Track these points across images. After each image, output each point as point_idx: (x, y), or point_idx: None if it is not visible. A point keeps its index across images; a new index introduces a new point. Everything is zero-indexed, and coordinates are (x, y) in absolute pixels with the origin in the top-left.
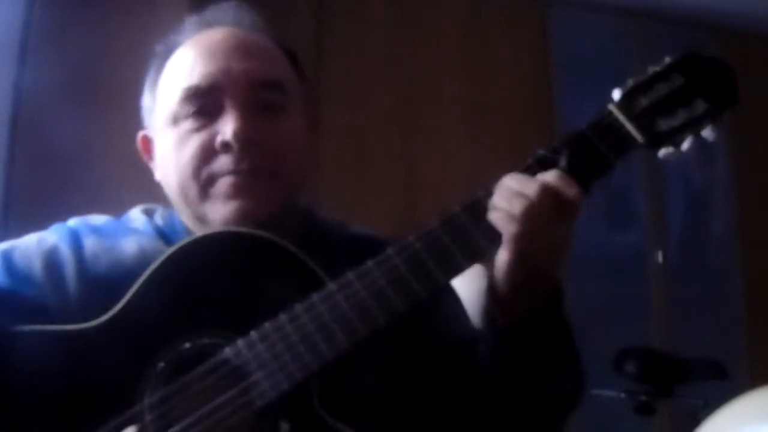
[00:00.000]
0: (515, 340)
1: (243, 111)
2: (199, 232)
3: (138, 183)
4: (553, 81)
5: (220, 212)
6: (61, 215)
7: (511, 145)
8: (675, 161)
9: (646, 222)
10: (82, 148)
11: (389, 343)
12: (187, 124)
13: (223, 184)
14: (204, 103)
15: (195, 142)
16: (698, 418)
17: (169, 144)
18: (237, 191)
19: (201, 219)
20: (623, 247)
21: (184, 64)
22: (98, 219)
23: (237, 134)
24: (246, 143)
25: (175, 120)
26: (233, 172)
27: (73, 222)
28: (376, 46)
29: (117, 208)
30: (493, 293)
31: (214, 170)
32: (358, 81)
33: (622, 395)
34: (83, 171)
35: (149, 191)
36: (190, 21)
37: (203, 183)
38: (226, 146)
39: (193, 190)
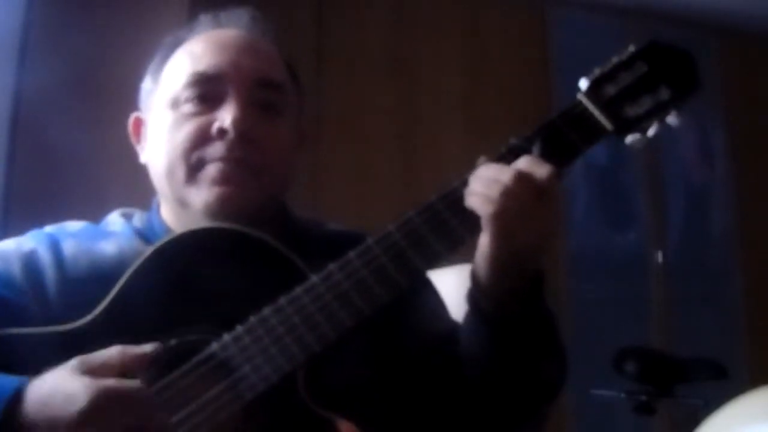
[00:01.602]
0: (499, 326)
1: (244, 104)
2: (179, 230)
3: (137, 183)
4: (553, 81)
5: (203, 196)
6: (61, 215)
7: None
8: (675, 161)
9: (646, 222)
10: (82, 148)
11: (373, 334)
12: (187, 108)
13: (212, 169)
14: (207, 90)
15: (192, 125)
16: (698, 418)
17: (165, 125)
18: (224, 178)
19: (182, 203)
20: (623, 247)
21: (194, 52)
22: (76, 224)
23: (236, 123)
24: (242, 134)
25: (176, 103)
26: (224, 159)
27: (50, 228)
28: (376, 46)
29: (116, 207)
30: (476, 279)
31: (206, 155)
32: (358, 81)
33: (622, 395)
34: (83, 171)
35: (147, 191)
36: (204, 19)
37: (192, 166)
38: (222, 133)
39: (181, 171)
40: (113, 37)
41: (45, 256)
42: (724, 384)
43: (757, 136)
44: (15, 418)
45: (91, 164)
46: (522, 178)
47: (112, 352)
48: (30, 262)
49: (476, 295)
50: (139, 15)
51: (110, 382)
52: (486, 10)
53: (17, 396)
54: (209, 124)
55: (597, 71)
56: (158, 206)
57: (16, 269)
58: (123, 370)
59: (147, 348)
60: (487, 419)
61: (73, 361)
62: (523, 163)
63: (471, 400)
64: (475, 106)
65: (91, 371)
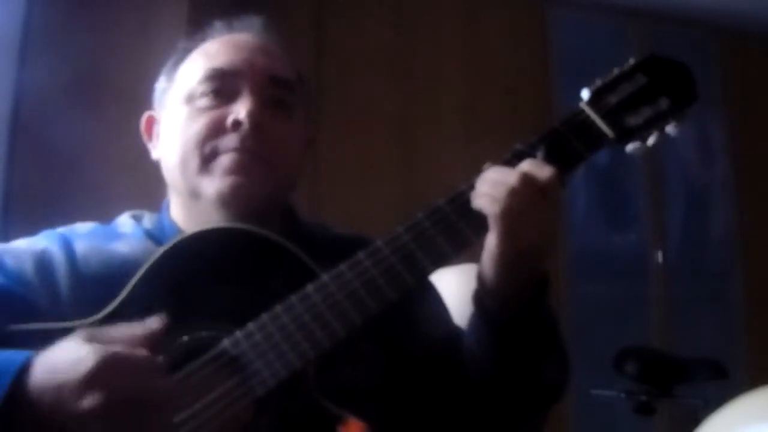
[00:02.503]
0: (504, 327)
1: (258, 98)
2: (190, 229)
3: (137, 183)
4: (553, 81)
5: (215, 185)
6: (61, 215)
7: (511, 146)
8: (675, 161)
9: (646, 222)
10: (82, 148)
11: (379, 336)
12: (202, 102)
13: (225, 159)
14: (222, 85)
15: (206, 117)
16: (698, 418)
17: (179, 118)
18: (237, 167)
19: (194, 193)
20: (623, 247)
21: (209, 51)
22: (86, 225)
23: (250, 115)
24: (256, 126)
25: (191, 97)
26: (238, 149)
27: (61, 229)
28: (376, 46)
29: (117, 207)
30: (482, 280)
31: (220, 146)
32: (358, 81)
33: (622, 395)
34: (83, 171)
35: (148, 191)
36: (218, 25)
37: (206, 156)
38: (236, 125)
39: (194, 161)
40: (113, 38)
41: (57, 254)
42: (724, 384)
43: (757, 136)
44: (24, 389)
45: (91, 164)
46: (526, 178)
47: (121, 328)
48: (42, 260)
49: (482, 295)
50: (139, 15)
51: (118, 348)
52: (486, 10)
53: (26, 368)
54: (224, 117)
55: (599, 82)
56: (168, 207)
57: (28, 266)
58: (132, 343)
59: (154, 323)
60: (491, 420)
61: (81, 332)
62: (528, 165)
63: (474, 401)
64: (475, 106)
65: (100, 341)
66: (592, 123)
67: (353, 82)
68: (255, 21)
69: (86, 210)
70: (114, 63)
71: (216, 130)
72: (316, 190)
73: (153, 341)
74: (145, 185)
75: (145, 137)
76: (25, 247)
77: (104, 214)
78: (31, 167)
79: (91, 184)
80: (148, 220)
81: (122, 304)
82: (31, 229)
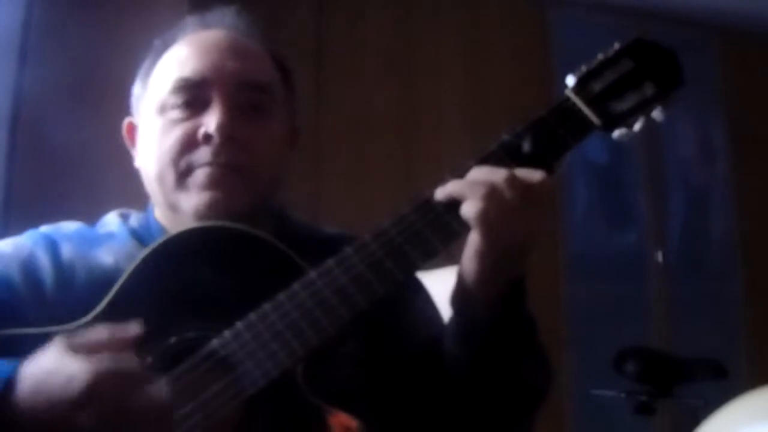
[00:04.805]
0: (481, 328)
1: (228, 107)
2: (174, 230)
3: (137, 183)
4: (554, 81)
5: (192, 202)
6: (61, 215)
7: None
8: (675, 161)
9: (646, 222)
10: (82, 148)
11: (369, 336)
12: (174, 114)
13: (200, 174)
14: (192, 96)
15: (178, 131)
16: (698, 418)
17: (153, 131)
18: (212, 182)
19: (173, 208)
20: (623, 247)
21: (178, 57)
22: (71, 226)
23: (220, 128)
24: (227, 138)
25: (163, 109)
26: (211, 163)
27: (46, 229)
28: (376, 46)
29: (116, 207)
30: (461, 279)
31: (193, 160)
32: (358, 81)
33: (622, 395)
34: (83, 171)
35: (147, 192)
36: (190, 20)
37: (181, 171)
38: (207, 138)
39: (170, 177)
40: (113, 37)
41: (43, 259)
42: (724, 384)
43: (757, 136)
44: (9, 408)
45: (91, 164)
46: (513, 182)
47: (100, 332)
48: (28, 265)
49: (459, 297)
50: (139, 15)
51: (108, 361)
52: (486, 9)
53: (9, 385)
54: (195, 130)
55: (583, 68)
56: (153, 207)
57: (14, 272)
58: (113, 349)
59: (133, 327)
60: (475, 422)
61: (61, 341)
62: (518, 170)
63: (459, 402)
64: (475, 106)
65: (83, 350)
66: (578, 110)
67: (353, 81)
68: (228, 13)
69: (86, 210)
70: (114, 63)
71: (188, 144)
72: (316, 191)
73: (136, 346)
74: (143, 185)
75: (127, 143)
76: (10, 251)
77: (103, 213)
78: (31, 167)
79: (91, 184)
80: (135, 219)
81: (108, 307)
82: (30, 229)
